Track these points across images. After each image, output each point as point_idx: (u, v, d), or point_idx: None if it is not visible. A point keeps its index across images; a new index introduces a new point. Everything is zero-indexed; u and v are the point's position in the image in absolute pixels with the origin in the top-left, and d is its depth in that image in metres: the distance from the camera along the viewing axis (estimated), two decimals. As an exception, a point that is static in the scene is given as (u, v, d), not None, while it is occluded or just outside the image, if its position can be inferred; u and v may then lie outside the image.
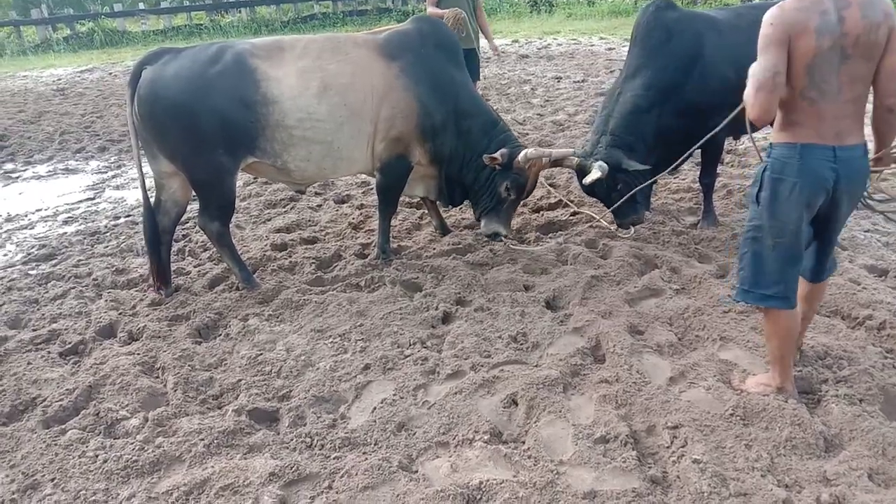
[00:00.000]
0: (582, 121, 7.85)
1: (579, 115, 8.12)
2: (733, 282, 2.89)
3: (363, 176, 5.44)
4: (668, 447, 2.73)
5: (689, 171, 5.61)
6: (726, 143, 5.95)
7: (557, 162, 4.43)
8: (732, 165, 6.13)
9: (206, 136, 3.83)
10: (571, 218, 5.06)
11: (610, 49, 13.32)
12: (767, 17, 2.48)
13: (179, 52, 4.02)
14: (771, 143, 2.68)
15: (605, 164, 4.17)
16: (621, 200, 4.24)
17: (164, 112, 3.83)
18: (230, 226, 4.33)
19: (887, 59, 2.49)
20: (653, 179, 4.35)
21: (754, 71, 2.50)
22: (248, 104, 3.84)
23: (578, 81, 10.22)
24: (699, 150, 4.70)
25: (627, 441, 2.73)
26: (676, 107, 4.32)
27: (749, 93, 2.51)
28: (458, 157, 4.39)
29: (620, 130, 4.35)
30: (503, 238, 4.54)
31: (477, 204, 4.53)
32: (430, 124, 4.21)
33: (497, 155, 4.22)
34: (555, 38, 15.78)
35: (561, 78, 10.66)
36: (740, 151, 6.35)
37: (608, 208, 4.61)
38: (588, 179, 4.22)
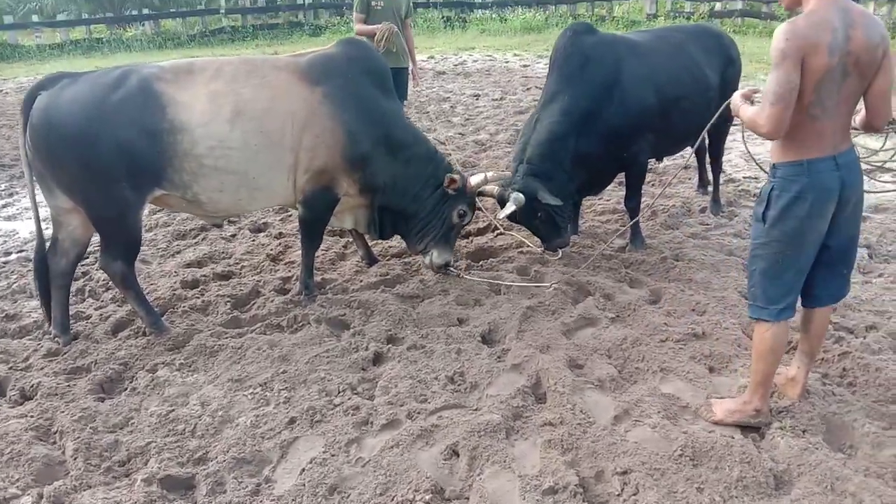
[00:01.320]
0: (503, 140, 7.78)
1: (500, 134, 8.05)
2: (748, 298, 2.90)
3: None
4: (618, 495, 2.61)
5: (614, 192, 5.59)
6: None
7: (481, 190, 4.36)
8: (654, 185, 6.15)
9: (106, 169, 3.50)
10: (500, 244, 4.92)
11: (525, 66, 13.41)
12: (781, 33, 2.47)
13: (79, 76, 3.68)
14: (773, 164, 2.71)
15: (520, 196, 4.10)
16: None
17: (58, 142, 3.48)
18: (135, 263, 3.94)
19: (878, 79, 2.57)
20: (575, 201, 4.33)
21: (768, 85, 2.49)
22: (153, 132, 3.52)
23: (497, 99, 10.18)
24: (622, 174, 4.71)
25: (577, 491, 2.59)
26: (596, 132, 4.27)
27: (763, 108, 2.51)
28: (398, 188, 4.14)
29: (537, 159, 4.27)
30: (453, 268, 4.38)
31: (421, 234, 4.27)
32: (358, 154, 3.94)
33: (457, 177, 4.12)
34: (470, 55, 15.78)
35: (479, 95, 10.60)
36: (659, 171, 6.40)
37: (534, 234, 4.53)
38: (502, 214, 4.20)
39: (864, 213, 5.06)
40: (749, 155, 3.07)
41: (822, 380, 3.21)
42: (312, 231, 4.17)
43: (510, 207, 4.09)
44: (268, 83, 3.79)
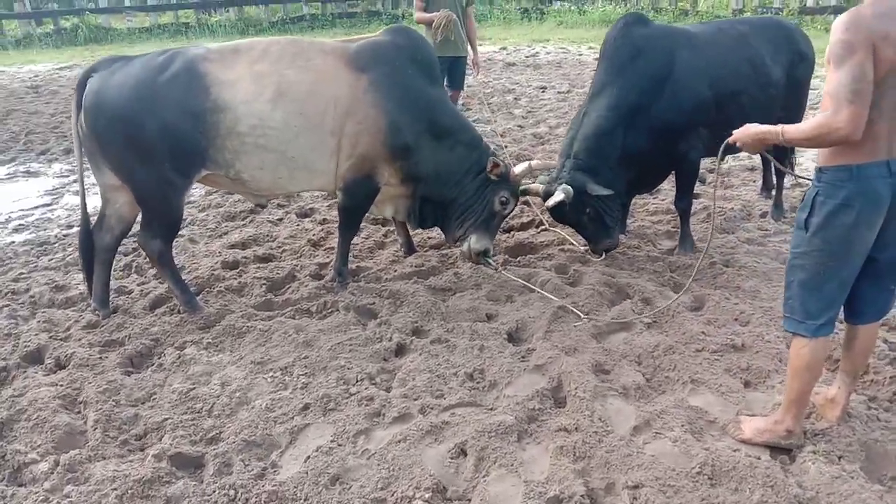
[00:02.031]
0: (563, 134, 7.57)
1: (560, 127, 7.86)
2: (784, 310, 2.68)
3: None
4: (626, 510, 2.47)
5: (669, 192, 5.35)
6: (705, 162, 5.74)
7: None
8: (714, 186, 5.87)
9: (152, 149, 3.59)
10: (542, 241, 4.79)
11: (598, 59, 13.08)
12: (843, 23, 2.26)
13: (131, 59, 3.78)
14: (819, 168, 2.49)
15: (569, 188, 3.95)
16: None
17: (108, 123, 3.59)
18: (175, 242, 4.04)
19: None
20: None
21: (839, 83, 2.25)
22: (197, 113, 3.60)
23: (563, 92, 9.97)
24: (673, 174, 4.50)
25: (582, 502, 2.46)
26: (645, 127, 4.10)
27: (838, 109, 2.24)
28: (441, 177, 4.06)
29: (584, 154, 4.13)
30: (491, 261, 4.21)
31: (460, 220, 4.15)
32: (400, 143, 3.89)
33: (500, 161, 4.05)
34: (543, 47, 15.54)
35: (546, 88, 10.41)
36: (723, 171, 6.11)
37: (581, 234, 4.38)
38: (550, 202, 4.04)
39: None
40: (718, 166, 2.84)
41: (867, 403, 2.97)
42: (351, 219, 4.15)
43: (558, 196, 3.94)
44: (312, 66, 3.79)
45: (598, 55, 4.57)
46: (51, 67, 15.10)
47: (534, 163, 4.12)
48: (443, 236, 4.52)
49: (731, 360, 3.30)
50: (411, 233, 4.71)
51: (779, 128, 2.49)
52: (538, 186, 4.22)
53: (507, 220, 5.05)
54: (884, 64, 2.24)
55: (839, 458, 2.66)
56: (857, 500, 2.42)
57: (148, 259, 4.10)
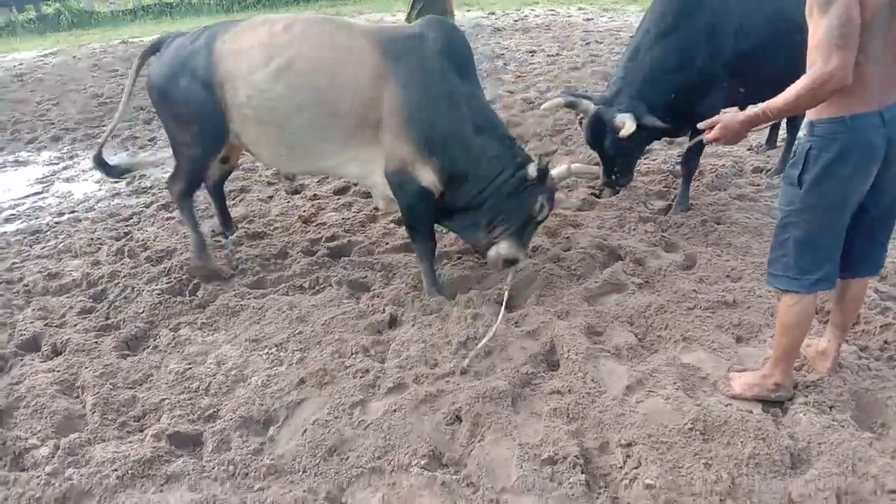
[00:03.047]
0: (553, 98, 7.52)
1: (551, 91, 7.79)
2: (771, 269, 2.64)
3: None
4: (620, 468, 2.51)
5: (660, 152, 5.33)
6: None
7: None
8: (710, 144, 5.84)
9: (182, 118, 3.89)
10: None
11: (588, 20, 12.93)
12: None
13: (181, 35, 4.05)
14: (811, 122, 2.44)
15: (630, 117, 3.89)
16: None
17: (154, 97, 4.00)
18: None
19: None
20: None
21: (826, 28, 2.18)
22: (210, 85, 3.74)
23: (552, 55, 9.86)
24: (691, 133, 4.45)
25: (577, 462, 2.50)
26: (690, 76, 4.07)
27: (828, 57, 2.17)
28: (471, 176, 3.65)
29: (646, 86, 4.08)
30: (517, 271, 3.72)
31: (490, 226, 3.68)
32: (424, 139, 3.55)
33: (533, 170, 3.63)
34: (532, 10, 15.35)
35: (535, 52, 10.29)
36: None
37: (604, 164, 4.33)
38: (624, 132, 3.88)
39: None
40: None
41: (858, 353, 2.99)
42: (413, 228, 3.78)
43: (631, 126, 3.85)
44: (338, 45, 3.63)
45: (586, 17, 4.48)
46: (35, 55, 14.92)
47: (574, 166, 3.76)
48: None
49: (722, 317, 3.31)
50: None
51: (759, 107, 2.43)
52: (590, 105, 4.09)
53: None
54: (870, 6, 2.19)
55: (830, 408, 2.69)
56: (848, 448, 2.45)
57: (171, 198, 4.38)
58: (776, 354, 2.72)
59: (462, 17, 14.75)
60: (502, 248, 3.62)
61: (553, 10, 14.76)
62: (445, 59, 3.65)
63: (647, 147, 4.91)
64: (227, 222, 4.76)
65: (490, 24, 13.67)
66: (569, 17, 13.68)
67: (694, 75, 4.06)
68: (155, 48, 4.11)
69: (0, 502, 2.53)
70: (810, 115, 2.45)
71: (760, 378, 2.76)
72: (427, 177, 3.62)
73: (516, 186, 3.65)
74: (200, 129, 3.86)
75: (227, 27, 3.86)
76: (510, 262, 3.65)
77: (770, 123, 5.02)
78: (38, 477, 2.63)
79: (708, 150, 5.61)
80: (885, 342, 3.07)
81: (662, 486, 2.35)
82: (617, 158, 4.22)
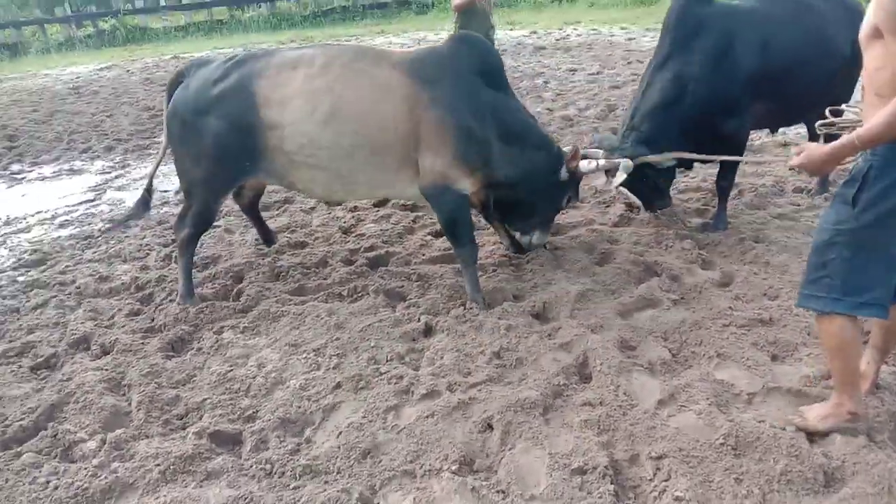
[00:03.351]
0: (592, 115, 7.57)
1: (590, 109, 7.84)
2: (808, 290, 2.54)
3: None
4: (650, 480, 2.52)
5: (699, 170, 5.32)
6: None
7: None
8: (747, 163, 5.80)
9: (204, 153, 3.85)
10: (569, 221, 4.82)
11: (630, 39, 12.95)
12: None
13: (207, 64, 4.02)
14: None
15: (629, 163, 3.96)
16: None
17: (175, 127, 3.96)
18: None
19: None
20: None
21: None
22: (246, 129, 3.73)
23: (593, 74, 9.91)
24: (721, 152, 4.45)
25: (606, 473, 2.52)
26: (702, 102, 4.07)
27: None
28: (512, 180, 3.87)
29: (646, 126, 4.15)
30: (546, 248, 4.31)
31: (528, 219, 4.12)
32: (473, 153, 3.71)
33: (573, 164, 3.94)
34: (574, 29, 15.43)
35: (576, 70, 10.36)
36: (755, 148, 6.03)
37: (636, 197, 4.38)
38: (616, 183, 4.01)
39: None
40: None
41: (897, 374, 2.95)
42: (455, 234, 3.89)
43: (622, 176, 3.96)
44: (374, 83, 3.71)
45: (629, 37, 4.53)
46: (92, 69, 15.53)
47: (601, 163, 3.95)
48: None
49: (758, 334, 3.30)
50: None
51: (848, 137, 2.31)
52: (592, 164, 4.08)
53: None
54: None
55: (867, 428, 2.66)
56: (884, 470, 2.42)
57: (176, 242, 4.26)
58: (836, 381, 2.63)
59: (504, 36, 14.91)
60: (535, 239, 4.17)
61: (595, 30, 14.82)
62: (475, 73, 3.77)
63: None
64: (267, 236, 4.84)
65: (532, 42, 13.79)
66: (611, 36, 13.70)
67: (700, 103, 4.05)
68: (180, 78, 4.06)
69: (51, 491, 2.65)
70: None
71: (833, 408, 2.65)
72: (466, 185, 3.79)
73: (550, 186, 3.99)
74: (221, 169, 3.87)
75: (260, 66, 3.80)
76: (539, 247, 4.24)
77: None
78: (85, 469, 2.76)
79: (748, 168, 5.60)
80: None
81: (692, 498, 2.35)
82: (643, 191, 4.25)
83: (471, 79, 3.75)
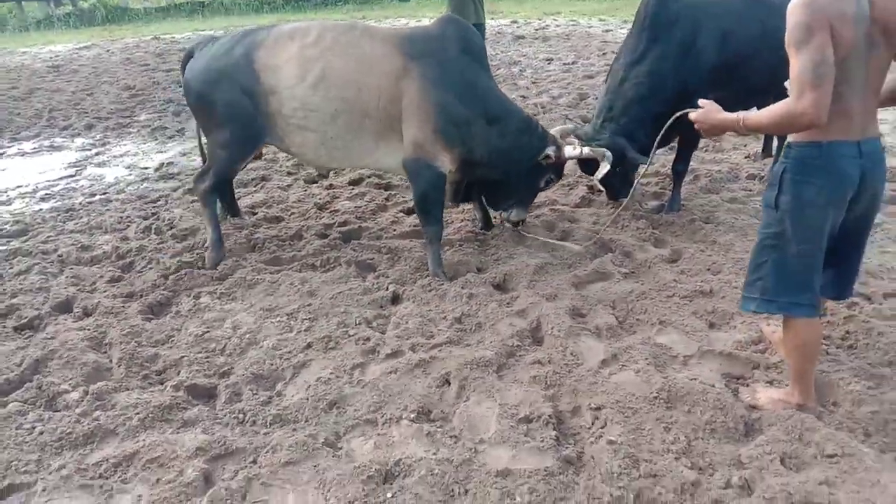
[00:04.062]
0: (564, 103, 7.82)
1: (563, 97, 8.09)
2: (747, 292, 2.69)
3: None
4: (588, 428, 2.78)
5: (659, 156, 5.59)
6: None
7: None
8: (706, 150, 6.10)
9: (221, 121, 4.14)
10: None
11: (607, 31, 13.22)
12: (798, 6, 2.24)
13: (215, 41, 4.32)
14: (789, 143, 2.50)
15: (610, 155, 4.15)
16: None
17: (191, 100, 4.27)
18: (192, 206, 4.44)
19: None
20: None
21: (801, 68, 2.23)
22: (251, 94, 4.01)
23: (568, 63, 10.16)
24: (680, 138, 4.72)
25: (549, 421, 2.77)
26: (672, 92, 4.29)
27: (801, 95, 2.23)
28: (493, 161, 4.06)
29: (624, 118, 4.33)
30: (521, 227, 4.50)
31: (508, 197, 4.32)
32: (452, 131, 3.91)
33: (552, 154, 4.12)
34: (554, 19, 15.69)
35: (552, 59, 10.60)
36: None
37: (605, 186, 4.64)
38: (600, 174, 4.20)
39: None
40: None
41: (822, 341, 3.23)
42: (426, 210, 4.07)
43: (605, 168, 4.14)
44: (361, 54, 3.93)
45: (606, 28, 4.75)
46: (70, 48, 15.51)
47: (585, 150, 4.15)
48: None
49: (698, 304, 3.57)
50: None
51: (739, 115, 2.48)
52: (576, 150, 4.29)
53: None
54: (844, 44, 2.23)
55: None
56: (798, 420, 2.69)
57: (196, 196, 4.52)
58: (792, 375, 2.78)
59: (486, 25, 15.08)
60: (513, 215, 4.35)
61: (574, 21, 15.08)
62: (461, 54, 3.99)
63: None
64: (233, 206, 4.95)
65: (512, 31, 14.01)
66: (589, 27, 13.97)
67: (670, 96, 4.24)
68: (191, 55, 4.34)
69: (36, 435, 2.85)
70: (790, 136, 2.52)
71: (784, 396, 2.80)
72: (444, 163, 3.99)
73: (532, 165, 4.16)
74: (241, 132, 4.12)
75: (260, 37, 4.06)
76: (516, 223, 4.41)
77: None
78: (69, 416, 2.96)
79: (707, 156, 5.89)
80: (847, 332, 3.30)
81: (623, 442, 2.61)
82: (612, 182, 4.48)
83: (457, 58, 3.97)
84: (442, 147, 3.94)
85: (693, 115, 2.71)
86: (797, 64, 2.25)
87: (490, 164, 4.10)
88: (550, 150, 4.11)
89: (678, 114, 2.97)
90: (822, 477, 2.43)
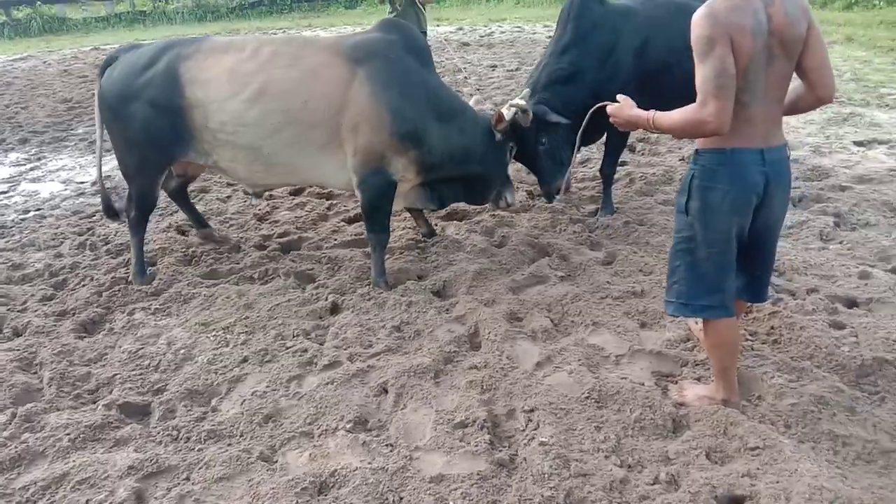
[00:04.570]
0: (507, 109, 7.92)
1: (505, 103, 8.17)
2: (666, 296, 2.77)
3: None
4: (522, 430, 2.83)
5: (597, 162, 5.71)
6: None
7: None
8: (643, 153, 6.25)
9: (134, 139, 3.97)
10: (473, 208, 5.09)
11: (551, 37, 13.40)
12: (700, 19, 2.34)
13: (137, 49, 4.11)
14: (697, 150, 2.59)
15: (535, 107, 4.21)
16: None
17: (104, 111, 4.08)
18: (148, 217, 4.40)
19: (809, 55, 2.42)
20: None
21: (703, 78, 2.33)
22: (173, 110, 3.84)
23: (512, 70, 10.29)
24: (603, 141, 4.85)
25: (484, 425, 2.81)
26: (590, 89, 4.40)
27: (704, 103, 2.32)
28: (456, 158, 4.04)
29: (548, 95, 4.44)
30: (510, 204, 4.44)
31: (489, 188, 4.30)
32: (407, 131, 3.84)
33: (503, 112, 4.07)
34: (499, 26, 15.85)
35: (496, 66, 10.72)
36: (652, 140, 6.48)
37: (532, 170, 4.68)
38: (506, 109, 4.12)
39: (845, 183, 5.15)
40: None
41: (746, 336, 3.35)
42: (375, 219, 4.02)
43: (517, 101, 4.09)
44: (303, 64, 3.82)
45: (551, 34, 4.84)
46: (4, 60, 15.02)
47: (516, 101, 4.11)
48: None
49: (630, 305, 3.67)
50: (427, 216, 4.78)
51: (650, 114, 2.58)
52: (514, 101, 4.23)
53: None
54: (744, 54, 2.32)
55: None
56: (722, 415, 2.78)
57: (127, 224, 4.38)
58: (714, 373, 2.87)
59: (431, 32, 15.14)
60: (508, 199, 4.36)
61: (519, 27, 15.27)
62: (407, 55, 3.95)
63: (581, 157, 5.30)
64: (199, 220, 4.82)
65: (457, 38, 14.10)
66: (533, 34, 14.17)
67: (588, 91, 4.37)
68: (108, 63, 4.11)
69: (-40, 462, 2.77)
70: (697, 142, 2.59)
71: (709, 392, 2.89)
72: (397, 169, 3.93)
73: (494, 149, 4.17)
74: (151, 153, 3.99)
75: (186, 51, 3.89)
76: (515, 204, 4.44)
77: None
78: (-5, 441, 2.88)
79: (642, 159, 6.03)
80: (772, 327, 3.43)
81: (555, 443, 2.66)
82: (540, 160, 4.51)
83: (403, 58, 3.92)
84: (396, 151, 3.86)
85: (609, 107, 2.79)
86: (700, 74, 2.34)
87: (454, 162, 4.06)
88: (501, 112, 4.05)
89: (597, 105, 3.04)
90: (744, 469, 2.52)
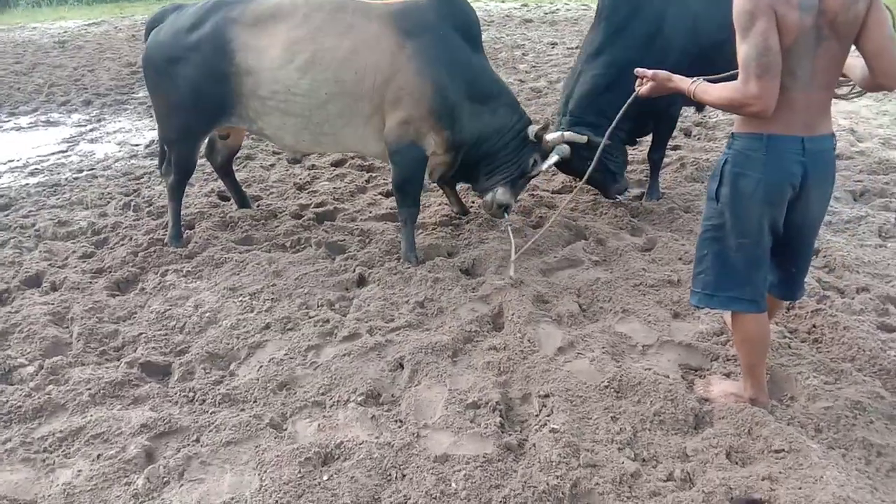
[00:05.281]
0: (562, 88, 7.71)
1: (560, 82, 7.96)
2: (693, 285, 2.62)
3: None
4: (536, 415, 2.74)
5: (646, 142, 5.49)
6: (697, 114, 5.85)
7: None
8: (698, 138, 6.00)
9: (178, 103, 3.97)
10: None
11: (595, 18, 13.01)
12: None
13: (182, 10, 4.06)
14: (733, 134, 2.42)
15: (565, 148, 4.03)
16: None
17: (148, 74, 4.07)
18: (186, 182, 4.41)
19: (869, 37, 2.18)
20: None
21: (745, 56, 2.16)
22: (221, 76, 3.82)
23: (572, 48, 10.03)
24: (654, 126, 4.64)
25: (497, 408, 2.74)
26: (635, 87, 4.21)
27: (746, 83, 2.16)
28: (482, 139, 4.00)
29: (579, 111, 4.25)
30: (507, 216, 4.15)
31: (491, 175, 4.12)
32: (446, 109, 3.82)
33: (537, 134, 4.02)
34: (566, 3, 15.48)
35: (556, 44, 10.47)
36: (710, 125, 6.21)
37: (590, 184, 4.51)
38: (545, 165, 4.09)
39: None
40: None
41: (784, 333, 3.17)
42: (406, 192, 3.98)
43: (552, 158, 4.03)
44: (354, 34, 3.78)
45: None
46: (80, 24, 15.51)
47: (567, 134, 4.05)
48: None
49: (664, 294, 3.51)
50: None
51: (693, 84, 2.41)
52: (564, 133, 4.14)
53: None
54: (791, 30, 2.14)
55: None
56: (748, 414, 2.63)
57: (166, 188, 4.42)
58: (742, 370, 2.73)
59: (494, 7, 14.97)
60: (499, 194, 4.08)
61: (585, 5, 14.88)
62: (456, 32, 3.88)
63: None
64: (241, 198, 4.79)
65: (521, 15, 13.84)
66: (598, 12, 13.77)
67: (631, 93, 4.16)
68: (155, 23, 4.10)
69: (-13, 409, 2.86)
70: (734, 126, 2.44)
71: (736, 389, 2.75)
72: (430, 144, 3.89)
73: (516, 145, 4.05)
74: (194, 118, 3.97)
75: (233, 13, 3.82)
76: (502, 207, 4.11)
77: None
78: (21, 390, 2.96)
79: (697, 144, 5.78)
80: (814, 326, 3.24)
81: (567, 430, 2.57)
82: (593, 176, 4.31)
83: (451, 35, 3.85)
84: (431, 127, 3.84)
85: (642, 90, 2.70)
86: (742, 52, 2.18)
87: (478, 145, 4.02)
88: (531, 130, 4.02)
89: (635, 94, 2.88)
90: (765, 472, 2.38)
